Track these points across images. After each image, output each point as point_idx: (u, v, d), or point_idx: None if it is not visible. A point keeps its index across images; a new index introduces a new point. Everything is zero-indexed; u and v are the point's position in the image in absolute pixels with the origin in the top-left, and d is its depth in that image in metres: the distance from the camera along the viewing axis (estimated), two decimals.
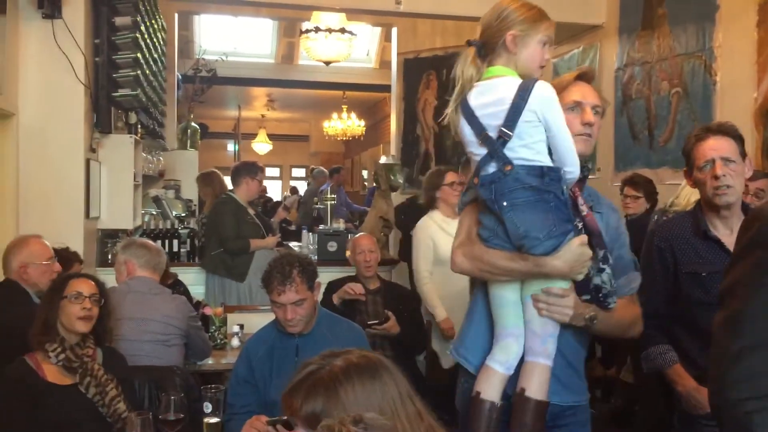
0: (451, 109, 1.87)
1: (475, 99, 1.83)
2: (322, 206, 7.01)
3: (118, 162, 4.85)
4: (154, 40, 5.73)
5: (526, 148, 1.78)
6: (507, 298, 1.92)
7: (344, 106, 12.11)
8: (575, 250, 1.79)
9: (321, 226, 6.43)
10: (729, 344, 1.36)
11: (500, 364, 1.90)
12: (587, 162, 1.99)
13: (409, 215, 6.28)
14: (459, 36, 7.33)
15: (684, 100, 4.80)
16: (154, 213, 6.20)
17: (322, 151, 15.78)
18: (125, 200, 4.92)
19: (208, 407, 2.13)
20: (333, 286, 4.01)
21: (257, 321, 3.42)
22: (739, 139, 2.36)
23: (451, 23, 7.05)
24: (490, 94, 1.82)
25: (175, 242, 5.62)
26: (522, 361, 1.89)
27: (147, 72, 5.24)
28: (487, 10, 1.87)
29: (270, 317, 2.80)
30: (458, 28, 6.99)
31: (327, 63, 7.76)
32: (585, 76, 2.00)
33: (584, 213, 1.90)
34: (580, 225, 1.86)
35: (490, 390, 1.88)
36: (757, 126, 4.12)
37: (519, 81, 1.80)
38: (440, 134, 7.59)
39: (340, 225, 6.18)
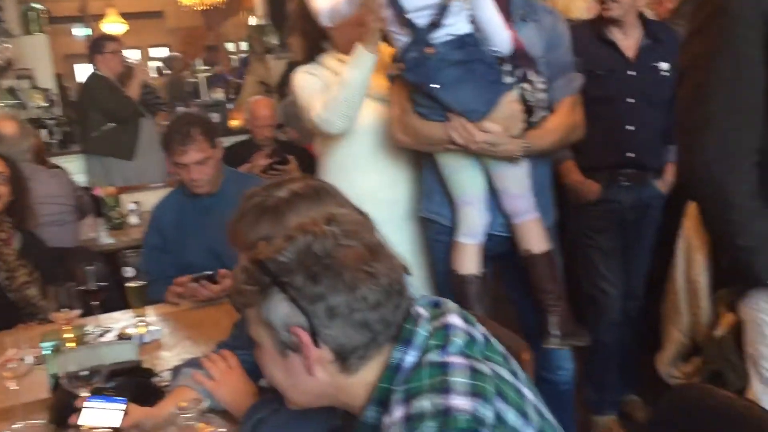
0: None
1: None
2: (194, 79, 6.72)
3: None
4: None
5: (447, 27, 1.77)
6: (457, 164, 1.94)
7: None
8: (506, 109, 1.82)
9: (197, 100, 6.19)
10: (698, 111, 1.41)
11: (466, 236, 1.95)
12: None
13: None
14: None
15: None
16: (12, 104, 5.74)
17: (181, 27, 14.84)
18: None
19: (130, 272, 2.09)
20: (227, 153, 3.91)
21: (152, 199, 3.32)
22: None
23: None
24: None
25: (44, 132, 5.26)
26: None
27: None
28: None
29: (164, 194, 2.73)
30: None
31: None
32: None
33: None
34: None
35: (467, 264, 1.95)
36: None
37: None
38: None
39: (219, 95, 5.96)
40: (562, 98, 2.01)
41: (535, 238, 1.95)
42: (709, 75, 1.40)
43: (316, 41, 2.23)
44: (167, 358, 1.91)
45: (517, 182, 1.93)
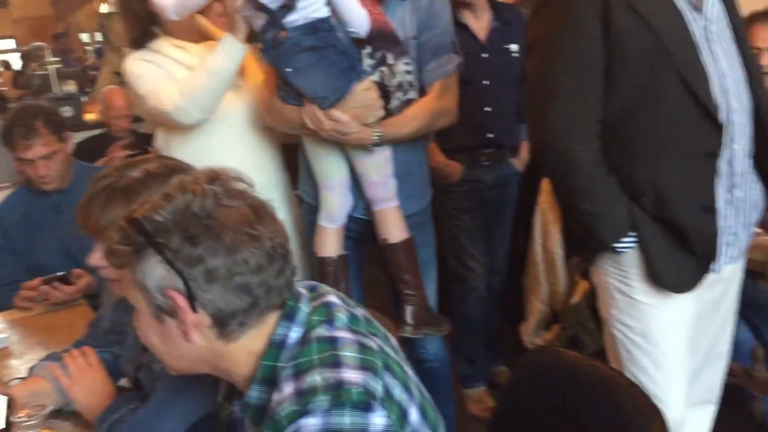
0: None
1: None
2: (43, 71, 6.30)
3: None
4: None
5: (302, 10, 1.73)
6: (320, 149, 1.92)
7: None
8: (358, 97, 1.79)
9: (48, 94, 5.81)
10: (543, 84, 1.48)
11: (326, 219, 1.94)
12: None
13: None
14: None
15: None
16: None
17: (28, 16, 13.87)
18: None
19: None
20: (82, 148, 3.72)
21: None
22: None
23: None
24: None
25: None
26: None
27: None
28: None
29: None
30: None
31: None
32: None
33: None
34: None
35: (326, 247, 1.94)
36: None
37: None
38: None
39: (71, 87, 5.63)
40: (433, 82, 1.97)
41: (393, 227, 1.94)
42: (552, 50, 1.48)
43: (146, 26, 2.09)
44: (16, 367, 1.79)
45: (376, 169, 1.91)
